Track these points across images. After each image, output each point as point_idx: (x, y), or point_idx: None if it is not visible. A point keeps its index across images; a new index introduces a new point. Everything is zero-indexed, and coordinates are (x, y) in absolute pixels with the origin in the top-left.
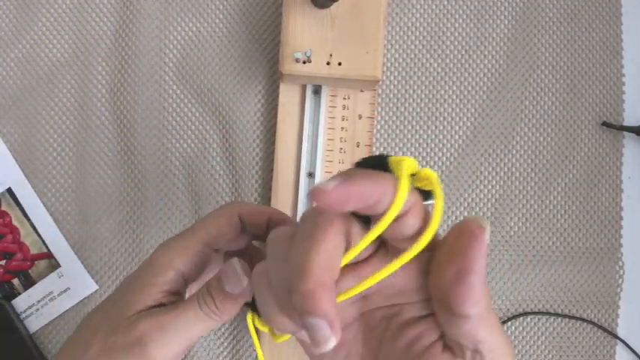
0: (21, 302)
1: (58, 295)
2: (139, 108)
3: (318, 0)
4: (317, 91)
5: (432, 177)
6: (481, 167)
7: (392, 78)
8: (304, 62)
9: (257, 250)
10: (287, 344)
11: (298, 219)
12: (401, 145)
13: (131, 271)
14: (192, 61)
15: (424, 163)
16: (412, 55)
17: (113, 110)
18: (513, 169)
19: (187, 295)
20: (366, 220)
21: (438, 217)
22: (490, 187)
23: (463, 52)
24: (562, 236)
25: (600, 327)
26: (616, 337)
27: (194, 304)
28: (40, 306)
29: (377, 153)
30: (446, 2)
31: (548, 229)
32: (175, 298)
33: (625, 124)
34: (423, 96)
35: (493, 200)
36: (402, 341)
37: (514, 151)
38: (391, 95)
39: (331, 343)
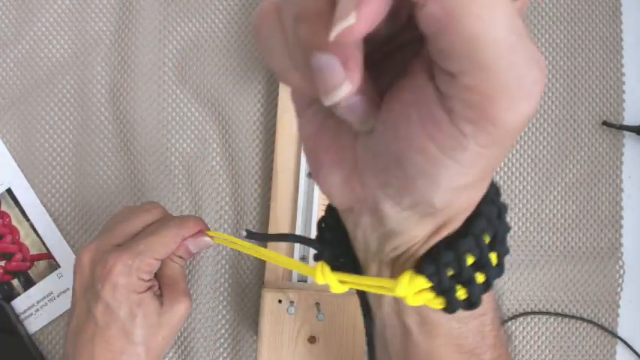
0: (20, 303)
1: (58, 295)
2: (138, 108)
3: None
4: None
5: None
6: None
7: None
8: None
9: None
10: (287, 344)
11: (298, 221)
12: None
13: None
14: (192, 61)
15: None
16: None
17: (113, 110)
18: (513, 169)
19: None
20: None
21: None
22: None
23: None
24: (562, 236)
25: (600, 327)
26: (616, 336)
27: None
28: (39, 306)
29: None
30: None
31: (548, 229)
32: None
33: (625, 123)
34: None
35: None
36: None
37: (514, 151)
38: None
39: (344, 88)
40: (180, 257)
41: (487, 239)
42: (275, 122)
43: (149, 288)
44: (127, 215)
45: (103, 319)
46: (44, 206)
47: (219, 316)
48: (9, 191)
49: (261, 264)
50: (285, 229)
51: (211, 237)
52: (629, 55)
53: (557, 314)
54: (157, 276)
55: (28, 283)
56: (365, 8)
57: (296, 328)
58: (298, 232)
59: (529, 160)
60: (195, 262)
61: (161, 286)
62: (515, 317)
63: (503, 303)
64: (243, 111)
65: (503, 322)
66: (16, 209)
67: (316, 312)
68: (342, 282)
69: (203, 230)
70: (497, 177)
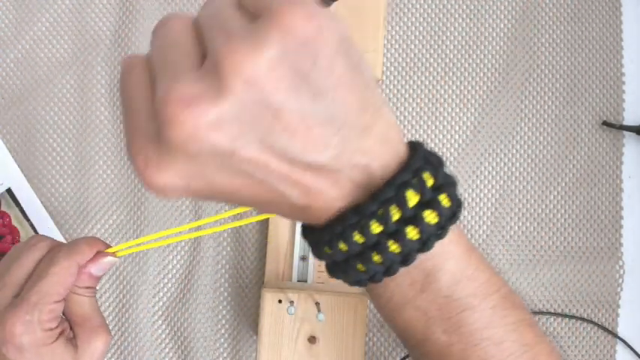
0: None
1: None
2: None
3: (318, 0)
4: None
5: None
6: (481, 167)
7: (392, 78)
8: None
9: None
10: (287, 344)
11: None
12: None
13: (131, 272)
14: None
15: None
16: (412, 55)
17: (113, 110)
18: (513, 169)
19: None
20: None
21: None
22: (490, 187)
23: (463, 52)
24: (562, 236)
25: (601, 326)
26: (616, 336)
27: None
28: None
29: None
30: (446, 2)
31: (548, 229)
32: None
33: (625, 123)
34: (423, 96)
35: (493, 200)
36: None
37: (514, 151)
38: (391, 95)
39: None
40: (87, 287)
41: (430, 181)
42: None
43: (60, 335)
44: (15, 256)
45: None
46: (44, 206)
47: (219, 316)
48: (9, 191)
49: (262, 264)
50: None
51: (114, 253)
52: (629, 55)
53: (557, 314)
54: (66, 315)
55: None
56: None
57: (296, 328)
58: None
59: (529, 160)
60: (195, 262)
61: (72, 326)
62: None
63: None
64: None
65: None
66: (16, 209)
67: (316, 312)
68: None
69: (101, 251)
70: (498, 177)
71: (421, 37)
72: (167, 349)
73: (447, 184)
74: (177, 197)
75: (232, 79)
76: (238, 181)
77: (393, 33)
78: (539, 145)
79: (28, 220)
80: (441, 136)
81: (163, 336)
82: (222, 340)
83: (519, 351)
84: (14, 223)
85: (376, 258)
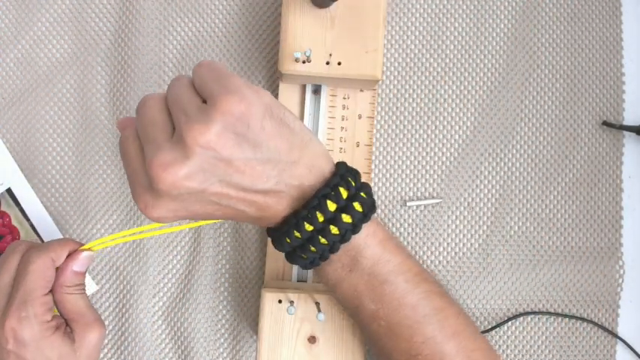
0: None
1: None
2: None
3: (318, 0)
4: (317, 90)
5: None
6: (481, 167)
7: (392, 78)
8: (304, 62)
9: None
10: (287, 344)
11: None
12: (401, 145)
13: (131, 272)
14: (192, 60)
15: (424, 162)
16: (412, 55)
17: (113, 110)
18: (513, 169)
19: None
20: None
21: None
22: (490, 187)
23: (463, 52)
24: (562, 236)
25: (601, 326)
26: (616, 336)
27: None
28: None
29: (377, 153)
30: (446, 2)
31: (548, 229)
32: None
33: (625, 123)
34: (423, 96)
35: (493, 200)
36: None
37: (514, 151)
38: (391, 95)
39: None
40: (75, 285)
41: (344, 193)
42: None
43: (57, 329)
44: (1, 263)
45: None
46: (44, 206)
47: (219, 316)
48: (9, 191)
49: (262, 264)
50: None
51: (89, 248)
52: (629, 55)
53: (557, 314)
54: (62, 314)
55: None
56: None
57: (296, 328)
58: None
59: (529, 160)
60: (195, 261)
61: (69, 322)
62: (515, 317)
63: (504, 303)
64: None
65: (503, 322)
66: (16, 209)
67: (316, 312)
68: None
69: (77, 249)
70: (498, 177)
71: (421, 37)
72: (167, 349)
73: (357, 195)
74: (169, 221)
75: (192, 146)
76: (210, 207)
77: (393, 33)
78: (539, 145)
79: (28, 219)
80: (441, 136)
81: (163, 336)
82: (222, 340)
83: (431, 313)
84: (14, 222)
85: (312, 248)
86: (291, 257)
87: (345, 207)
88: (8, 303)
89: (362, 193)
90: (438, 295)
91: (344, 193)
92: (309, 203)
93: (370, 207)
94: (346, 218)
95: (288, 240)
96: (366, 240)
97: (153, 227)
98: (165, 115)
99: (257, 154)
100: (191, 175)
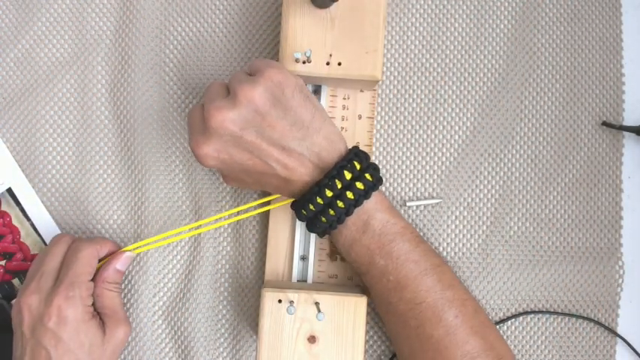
0: None
1: None
2: (139, 107)
3: (318, 0)
4: (317, 91)
5: None
6: (481, 167)
7: (392, 78)
8: (304, 62)
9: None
10: (287, 344)
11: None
12: (401, 145)
13: (131, 272)
14: (192, 61)
15: (424, 162)
16: (412, 55)
17: (113, 110)
18: (513, 169)
19: None
20: None
21: None
22: (490, 187)
23: (463, 52)
24: (562, 236)
25: (601, 324)
26: (616, 334)
27: None
28: None
29: (377, 153)
30: (446, 2)
31: (548, 229)
32: None
33: (625, 124)
34: (423, 96)
35: (493, 200)
36: None
37: (514, 151)
38: (391, 95)
39: None
40: (115, 283)
41: (358, 166)
42: None
43: (94, 316)
44: (46, 251)
45: (57, 353)
46: (44, 206)
47: (219, 316)
48: (9, 191)
49: (261, 264)
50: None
51: (132, 250)
52: (629, 55)
53: (557, 313)
54: (98, 308)
55: None
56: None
57: (296, 327)
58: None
59: (529, 160)
60: (195, 261)
61: (102, 316)
62: (515, 317)
63: (503, 303)
64: None
65: (503, 321)
66: (17, 209)
67: (316, 312)
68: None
69: (120, 249)
70: (498, 177)
71: (421, 37)
72: (167, 349)
73: (368, 168)
74: (212, 164)
75: (241, 99)
76: (246, 155)
77: (393, 33)
78: (538, 146)
79: (28, 219)
80: (440, 137)
81: (163, 336)
82: (222, 340)
83: (430, 267)
84: (14, 222)
85: (331, 212)
86: (312, 223)
87: (358, 177)
88: (56, 284)
89: (371, 169)
90: (434, 254)
91: (357, 166)
92: (330, 173)
93: (378, 179)
94: (360, 185)
95: (312, 207)
96: (376, 205)
97: (183, 229)
98: (224, 88)
99: (287, 116)
100: (235, 120)
